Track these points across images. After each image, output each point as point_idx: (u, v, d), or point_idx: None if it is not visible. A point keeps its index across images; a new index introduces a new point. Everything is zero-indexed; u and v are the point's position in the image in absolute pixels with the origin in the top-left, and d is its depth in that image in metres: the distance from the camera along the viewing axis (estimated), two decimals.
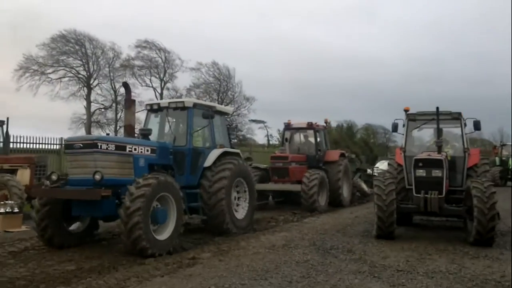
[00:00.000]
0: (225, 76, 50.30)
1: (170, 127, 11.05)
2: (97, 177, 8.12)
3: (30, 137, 20.45)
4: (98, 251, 8.82)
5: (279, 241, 9.69)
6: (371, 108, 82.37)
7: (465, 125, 10.99)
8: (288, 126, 17.91)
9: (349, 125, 59.31)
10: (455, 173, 10.71)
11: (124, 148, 8.93)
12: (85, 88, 45.44)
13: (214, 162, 10.50)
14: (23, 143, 20.11)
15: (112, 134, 41.86)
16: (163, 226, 8.54)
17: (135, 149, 9.14)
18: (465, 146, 10.84)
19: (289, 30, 77.58)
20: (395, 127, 11.21)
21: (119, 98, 45.26)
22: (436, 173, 9.76)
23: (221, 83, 50.36)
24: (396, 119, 11.22)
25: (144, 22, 65.32)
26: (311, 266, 7.51)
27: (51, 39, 43.04)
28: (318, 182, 15.45)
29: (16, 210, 11.48)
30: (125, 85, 10.61)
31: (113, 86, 46.35)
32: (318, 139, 17.43)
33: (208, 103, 12.19)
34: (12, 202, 11.85)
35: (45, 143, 21.26)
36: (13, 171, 14.14)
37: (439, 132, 10.74)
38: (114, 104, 46.67)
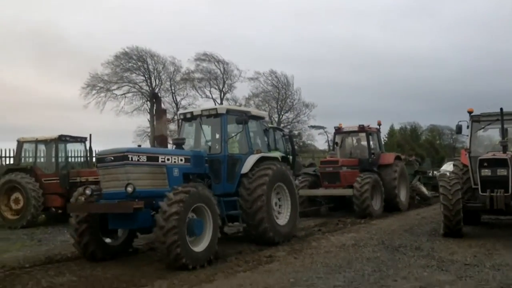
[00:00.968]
0: (283, 84, 51.23)
1: (204, 135, 10.83)
2: (129, 189, 8.04)
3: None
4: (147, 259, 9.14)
5: (349, 241, 10.24)
6: (435, 108, 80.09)
7: None
8: (338, 130, 17.36)
9: (413, 127, 58.34)
10: None
11: (156, 159, 8.80)
12: (148, 102, 47.01)
13: (252, 168, 10.10)
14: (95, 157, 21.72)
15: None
16: (200, 238, 8.40)
17: (168, 159, 8.99)
18: None
19: (344, 32, 77.37)
20: (459, 129, 11.48)
21: (180, 110, 47.07)
22: (502, 172, 9.95)
23: (279, 91, 51.26)
24: (460, 121, 11.47)
25: (200, 35, 67.34)
26: (381, 262, 8.04)
27: (114, 56, 45.53)
28: (371, 186, 14.87)
29: None
30: (155, 96, 10.73)
31: (175, 99, 48.18)
32: (371, 142, 16.85)
33: (242, 108, 12.04)
34: None
35: None
36: (96, 183, 15.45)
37: (503, 132, 10.89)
38: (175, 117, 48.62)
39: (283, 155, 17.51)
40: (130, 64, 46.59)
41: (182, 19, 69.28)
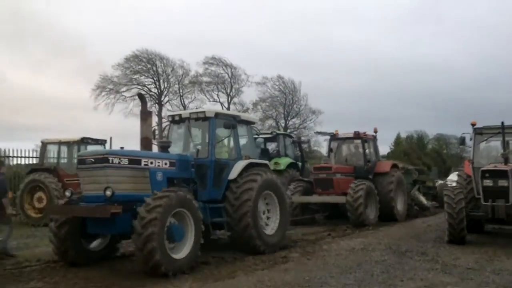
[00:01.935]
0: (290, 90, 51.76)
1: (192, 139, 10.53)
2: (108, 193, 7.79)
3: None
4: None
5: (358, 245, 10.86)
6: (443, 116, 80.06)
7: None
8: (334, 137, 17.04)
9: (420, 135, 58.57)
10: None
11: (138, 162, 8.51)
12: (156, 104, 47.98)
13: (240, 174, 9.83)
14: None
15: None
16: (181, 244, 8.16)
17: (151, 163, 8.70)
18: None
19: (353, 38, 77.66)
20: (462, 141, 12.19)
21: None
22: (502, 182, 10.56)
23: (286, 97, 51.80)
24: (464, 133, 12.17)
25: (208, 38, 68.06)
26: (389, 264, 8.67)
27: (125, 59, 46.28)
28: (365, 193, 14.45)
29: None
30: (141, 97, 10.20)
31: (183, 102, 49.05)
32: (367, 149, 16.54)
33: (231, 112, 11.52)
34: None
35: None
36: None
37: (504, 144, 11.52)
38: None
39: (293, 161, 18.25)
40: (139, 67, 47.37)
41: (190, 22, 69.94)
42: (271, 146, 20.12)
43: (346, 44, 74.29)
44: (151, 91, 48.27)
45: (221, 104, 50.16)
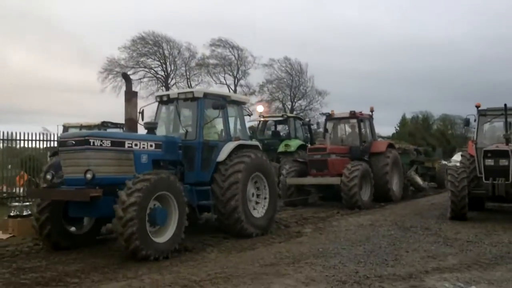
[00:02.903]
0: (297, 71, 52.08)
1: (180, 120, 10.11)
2: (88, 176, 7.58)
3: None
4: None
5: (366, 222, 11.64)
6: (448, 97, 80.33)
7: None
8: (329, 117, 16.83)
9: (425, 116, 58.80)
10: None
11: (122, 144, 8.29)
12: (163, 87, 48.47)
13: (229, 156, 9.56)
14: None
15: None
16: (164, 228, 7.98)
17: (136, 145, 8.46)
18: None
19: (358, 19, 77.62)
20: (467, 122, 12.85)
21: None
22: (503, 162, 11.22)
23: (293, 78, 52.16)
24: (468, 115, 12.79)
25: (215, 19, 68.15)
26: (395, 238, 9.43)
27: (131, 41, 46.68)
28: (360, 174, 14.24)
29: (26, 213, 10.01)
30: (125, 76, 10.00)
31: (189, 84, 49.32)
32: (362, 129, 16.35)
33: (221, 92, 11.49)
34: (21, 204, 10.75)
35: None
36: None
37: (507, 125, 12.15)
38: None
39: (303, 143, 18.91)
40: (146, 49, 47.86)
41: (198, 3, 70.01)
42: (282, 128, 20.83)
43: (353, 25, 74.49)
44: (158, 73, 48.81)
45: (228, 86, 50.58)
